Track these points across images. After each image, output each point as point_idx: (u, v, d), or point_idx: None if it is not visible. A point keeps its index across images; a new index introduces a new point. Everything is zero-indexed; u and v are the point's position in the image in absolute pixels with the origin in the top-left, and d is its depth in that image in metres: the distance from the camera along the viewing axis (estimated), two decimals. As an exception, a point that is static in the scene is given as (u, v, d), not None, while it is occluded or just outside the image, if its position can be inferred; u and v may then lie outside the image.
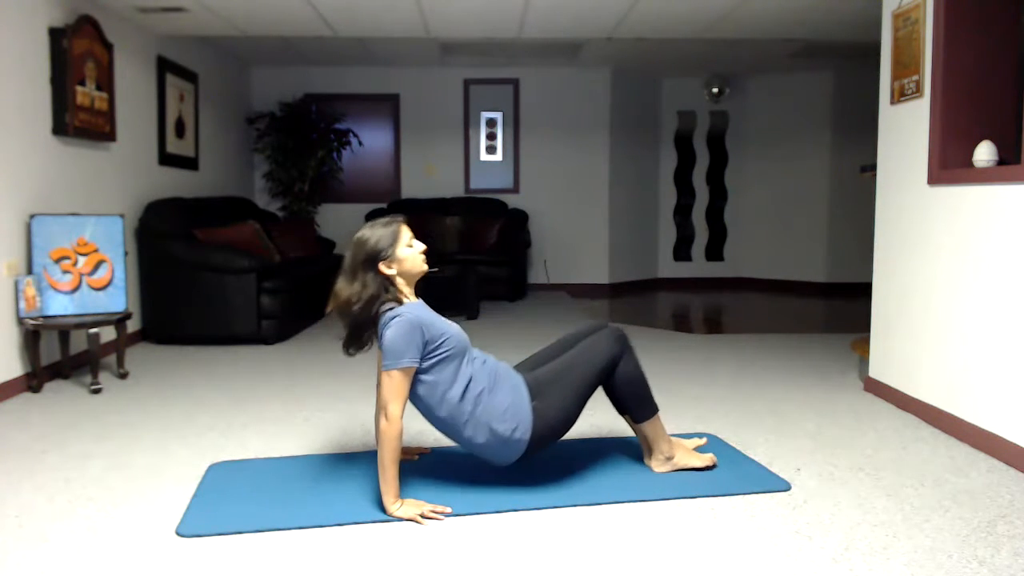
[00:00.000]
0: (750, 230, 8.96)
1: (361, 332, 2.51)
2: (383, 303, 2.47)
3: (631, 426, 2.80)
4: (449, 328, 2.52)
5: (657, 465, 2.77)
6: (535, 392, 2.56)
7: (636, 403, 2.72)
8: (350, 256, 2.50)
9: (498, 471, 2.70)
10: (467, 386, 2.49)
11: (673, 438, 2.84)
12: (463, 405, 2.48)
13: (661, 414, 2.81)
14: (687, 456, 2.78)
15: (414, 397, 2.52)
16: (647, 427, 2.74)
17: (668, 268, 9.08)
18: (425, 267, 2.60)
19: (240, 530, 2.29)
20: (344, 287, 2.48)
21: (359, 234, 2.53)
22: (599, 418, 3.50)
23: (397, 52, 7.36)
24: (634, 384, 2.69)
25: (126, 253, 4.50)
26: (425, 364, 2.45)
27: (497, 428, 2.48)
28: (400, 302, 2.51)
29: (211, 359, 4.84)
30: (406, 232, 2.55)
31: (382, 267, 2.49)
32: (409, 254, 2.54)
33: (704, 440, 3.05)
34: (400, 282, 2.54)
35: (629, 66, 8.13)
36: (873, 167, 4.09)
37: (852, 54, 7.18)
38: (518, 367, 2.74)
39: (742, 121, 8.88)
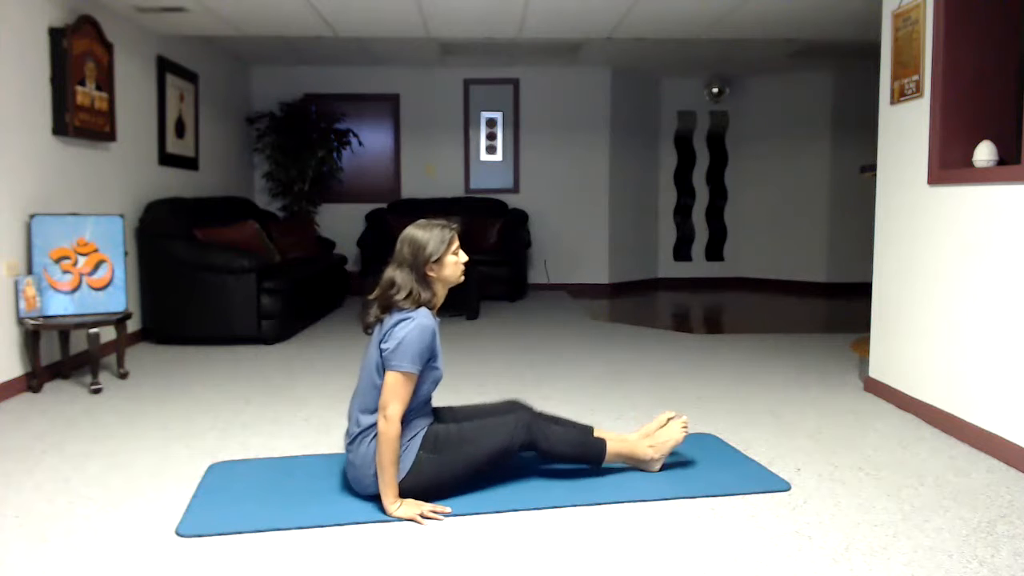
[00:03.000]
0: (750, 230, 8.96)
1: (387, 312, 2.52)
2: (420, 303, 2.48)
3: None
4: (441, 362, 2.55)
5: (651, 466, 2.76)
6: (429, 444, 2.51)
7: (582, 461, 2.69)
8: (407, 251, 2.51)
9: (497, 471, 2.70)
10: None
11: (636, 437, 2.79)
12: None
13: (661, 414, 2.81)
14: (663, 444, 2.74)
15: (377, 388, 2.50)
16: (612, 459, 2.72)
17: (668, 268, 9.08)
18: (462, 279, 2.60)
19: (240, 530, 2.29)
20: (404, 279, 2.48)
21: (416, 233, 2.52)
22: (599, 418, 3.50)
23: (397, 52, 7.36)
24: (565, 453, 2.66)
25: (126, 253, 4.50)
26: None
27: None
28: (431, 306, 2.52)
29: (211, 359, 4.83)
30: (457, 240, 2.57)
31: (428, 269, 2.50)
32: (454, 261, 2.55)
33: (672, 413, 2.89)
34: (439, 287, 2.55)
35: (629, 66, 8.13)
36: (873, 167, 4.09)
37: (852, 54, 7.18)
38: (436, 410, 2.72)
39: (742, 121, 8.88)
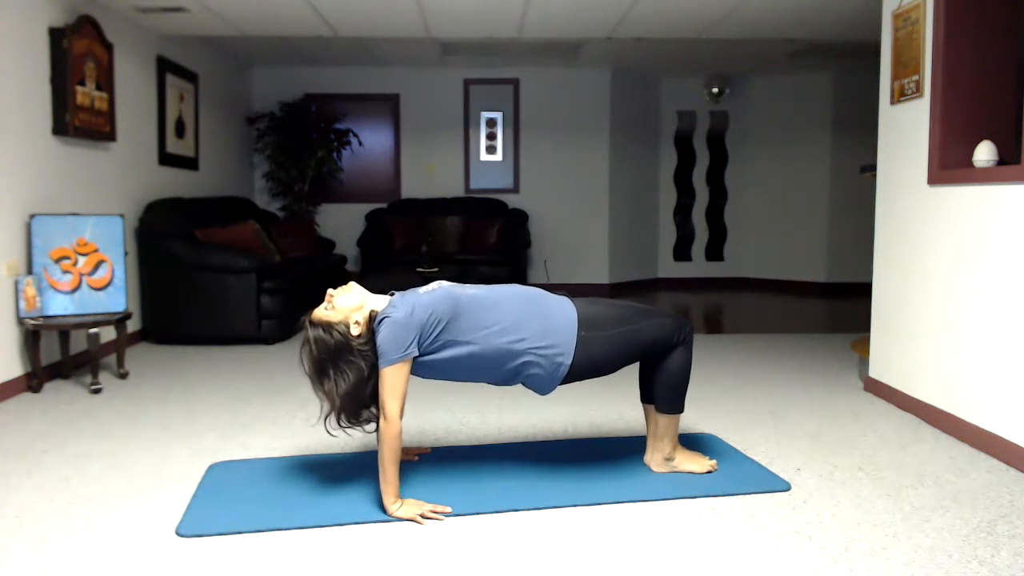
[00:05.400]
0: (750, 230, 8.96)
1: (371, 398, 2.47)
2: (363, 363, 2.43)
3: (647, 415, 2.80)
4: (432, 302, 2.45)
5: (656, 465, 2.77)
6: (585, 324, 2.56)
7: (669, 395, 2.72)
8: (314, 365, 2.44)
9: (497, 470, 2.71)
10: (489, 329, 2.47)
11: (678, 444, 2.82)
12: (493, 344, 2.47)
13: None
14: (687, 461, 2.78)
15: (452, 373, 2.51)
16: (664, 420, 2.74)
17: (668, 268, 9.08)
18: (337, 292, 2.50)
19: (240, 530, 2.29)
20: (342, 383, 2.41)
21: (311, 348, 2.43)
22: (599, 418, 3.50)
23: (397, 52, 7.36)
24: (677, 377, 2.70)
25: (126, 253, 4.50)
26: (433, 343, 2.43)
27: (541, 351, 2.49)
28: (370, 320, 2.46)
29: (211, 359, 4.83)
30: (321, 314, 2.48)
31: (354, 331, 2.43)
32: (338, 310, 2.46)
33: (713, 463, 2.90)
34: (363, 317, 2.47)
35: (629, 66, 8.13)
36: (873, 167, 4.09)
37: (852, 54, 7.18)
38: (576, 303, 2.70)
39: (742, 121, 8.88)
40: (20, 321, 3.99)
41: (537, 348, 2.50)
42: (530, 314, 2.54)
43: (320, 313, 2.49)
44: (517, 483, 2.65)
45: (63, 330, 4.18)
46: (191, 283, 5.19)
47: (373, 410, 2.48)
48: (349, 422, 2.50)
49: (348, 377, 2.41)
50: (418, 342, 2.40)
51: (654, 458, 2.78)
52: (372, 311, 2.48)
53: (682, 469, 2.76)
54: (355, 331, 2.44)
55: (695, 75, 8.57)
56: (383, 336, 2.39)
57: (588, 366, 2.57)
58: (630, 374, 4.40)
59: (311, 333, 2.45)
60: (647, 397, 2.80)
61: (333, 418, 2.47)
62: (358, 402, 2.46)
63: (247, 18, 5.46)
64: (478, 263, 7.21)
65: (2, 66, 3.90)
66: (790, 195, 8.64)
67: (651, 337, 2.63)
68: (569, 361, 2.53)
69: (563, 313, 2.57)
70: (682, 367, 2.70)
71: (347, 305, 2.48)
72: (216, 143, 7.02)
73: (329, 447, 3.09)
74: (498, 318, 2.50)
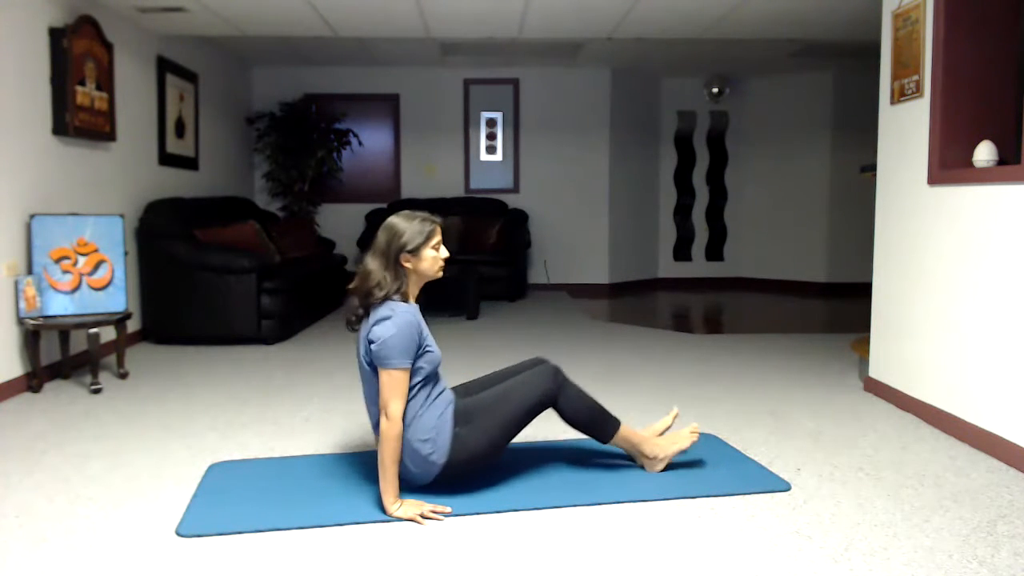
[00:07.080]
0: (750, 230, 8.96)
1: (366, 310, 2.51)
2: (387, 293, 2.47)
3: None
4: (434, 344, 2.54)
5: (650, 466, 2.77)
6: (461, 418, 2.53)
7: (593, 429, 2.70)
8: (384, 240, 2.50)
9: (496, 471, 2.70)
10: (409, 402, 2.47)
11: (648, 434, 2.80)
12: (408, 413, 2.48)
13: (660, 415, 2.82)
14: (670, 445, 2.76)
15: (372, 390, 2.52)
16: (618, 441, 2.74)
17: (668, 268, 9.08)
18: (440, 274, 2.59)
19: (240, 530, 2.29)
20: (376, 268, 2.48)
21: (395, 221, 2.52)
22: (599, 418, 3.50)
23: (397, 52, 7.36)
24: (581, 414, 2.68)
25: (126, 253, 4.50)
26: None
27: (416, 447, 2.47)
28: (405, 298, 2.51)
29: (211, 359, 4.83)
30: (438, 235, 2.55)
31: (403, 259, 2.49)
32: (432, 256, 2.54)
33: (675, 410, 2.91)
34: (413, 279, 2.55)
35: (629, 66, 8.13)
36: (873, 167, 4.09)
37: (852, 54, 7.18)
38: (454, 389, 2.73)
39: (742, 121, 8.88)
40: (20, 321, 3.99)
41: (418, 440, 2.47)
42: (428, 411, 2.50)
43: (439, 236, 2.55)
44: (517, 483, 2.64)
45: (63, 330, 4.18)
46: (191, 283, 5.19)
47: (356, 327, 2.54)
48: (356, 302, 2.52)
49: (376, 264, 2.47)
50: (414, 356, 2.44)
51: (645, 463, 2.78)
52: (387, 291, 2.47)
53: (671, 454, 2.75)
54: (405, 261, 2.48)
55: (695, 75, 8.57)
56: (391, 336, 2.38)
57: (468, 460, 2.51)
58: (629, 376, 4.41)
59: (421, 220, 2.51)
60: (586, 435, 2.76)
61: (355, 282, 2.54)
62: (366, 287, 2.47)
63: (247, 18, 5.46)
64: (478, 263, 7.20)
65: (2, 66, 3.90)
66: (790, 195, 8.64)
67: (528, 404, 2.58)
68: (442, 461, 2.48)
69: (444, 413, 2.52)
70: (580, 403, 2.67)
71: (429, 261, 2.52)
72: (216, 143, 7.01)
73: (329, 447, 3.10)
74: (414, 403, 2.48)
